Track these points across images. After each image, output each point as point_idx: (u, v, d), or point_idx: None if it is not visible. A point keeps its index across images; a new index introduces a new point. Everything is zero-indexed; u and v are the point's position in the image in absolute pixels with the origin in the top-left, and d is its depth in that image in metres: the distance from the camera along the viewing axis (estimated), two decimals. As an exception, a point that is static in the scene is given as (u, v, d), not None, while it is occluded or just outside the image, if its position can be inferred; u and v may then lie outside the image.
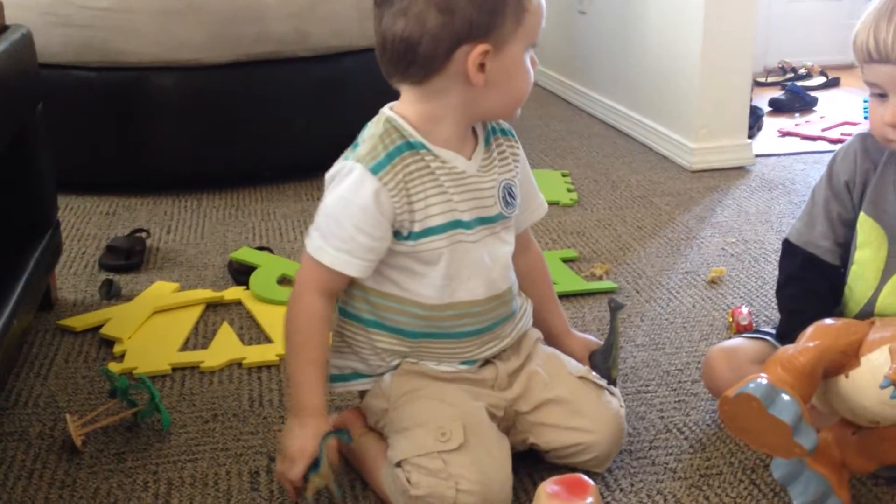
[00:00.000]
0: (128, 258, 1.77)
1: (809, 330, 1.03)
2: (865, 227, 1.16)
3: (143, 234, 1.89)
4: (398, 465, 1.04)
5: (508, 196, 1.12)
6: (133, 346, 1.46)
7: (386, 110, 1.09)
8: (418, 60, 1.01)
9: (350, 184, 1.04)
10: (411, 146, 1.05)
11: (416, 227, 1.06)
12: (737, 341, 1.26)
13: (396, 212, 1.04)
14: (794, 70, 3.44)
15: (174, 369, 1.40)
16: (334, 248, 1.05)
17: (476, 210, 1.09)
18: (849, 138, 1.21)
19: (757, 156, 2.43)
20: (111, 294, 1.63)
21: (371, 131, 1.07)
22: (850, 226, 1.18)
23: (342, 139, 1.13)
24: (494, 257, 1.11)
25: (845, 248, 1.19)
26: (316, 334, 1.08)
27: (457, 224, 1.07)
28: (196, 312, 1.58)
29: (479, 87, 1.03)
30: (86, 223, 2.01)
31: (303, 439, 1.05)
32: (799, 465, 1.04)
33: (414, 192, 1.05)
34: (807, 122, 2.87)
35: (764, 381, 0.97)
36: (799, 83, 3.21)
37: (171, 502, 1.10)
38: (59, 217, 1.59)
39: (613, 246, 1.88)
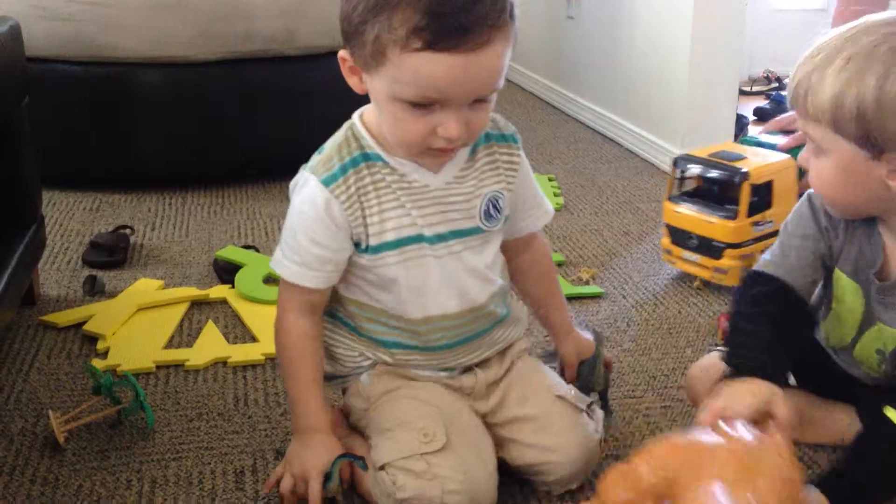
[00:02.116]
0: (111, 254, 1.75)
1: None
2: (841, 282, 1.11)
3: (128, 231, 1.88)
4: (381, 468, 1.03)
5: (492, 209, 1.07)
6: (117, 343, 1.45)
7: (354, 117, 1.06)
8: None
9: (304, 196, 1.04)
10: (367, 157, 1.03)
11: (372, 242, 1.03)
12: (714, 358, 1.22)
13: (351, 224, 1.03)
14: (779, 80, 3.46)
15: (158, 367, 1.39)
16: (291, 260, 1.05)
17: (445, 224, 1.05)
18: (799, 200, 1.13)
19: (742, 163, 2.44)
20: (95, 290, 1.62)
21: (333, 138, 1.06)
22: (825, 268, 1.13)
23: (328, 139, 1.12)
24: (470, 270, 1.08)
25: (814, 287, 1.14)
26: (308, 355, 1.08)
27: (417, 239, 1.04)
28: (181, 310, 1.57)
29: (361, 92, 1.00)
30: (69, 219, 1.99)
31: (315, 458, 1.04)
32: None
33: (368, 205, 1.02)
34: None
35: None
36: (784, 93, 3.22)
37: (154, 501, 1.09)
38: (43, 212, 1.57)
39: (600, 251, 1.89)
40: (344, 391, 1.15)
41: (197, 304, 1.60)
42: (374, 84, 0.96)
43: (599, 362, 1.24)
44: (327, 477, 1.04)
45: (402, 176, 1.03)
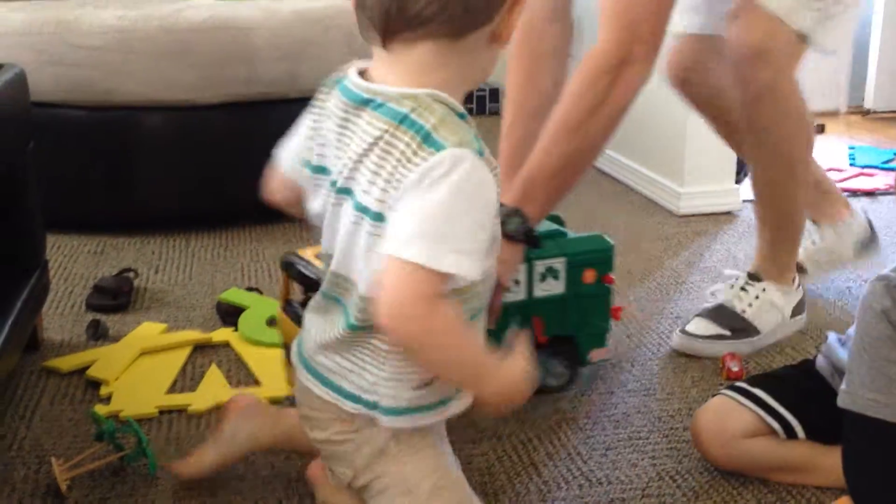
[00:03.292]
0: (115, 298, 1.75)
1: None
2: None
3: (131, 275, 1.88)
4: None
5: None
6: (120, 388, 1.44)
7: (418, 91, 0.90)
8: (476, 5, 0.88)
9: (465, 175, 0.86)
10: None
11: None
12: (726, 407, 1.22)
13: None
14: None
15: (161, 412, 1.38)
16: (454, 250, 0.86)
17: None
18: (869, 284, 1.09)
19: (744, 201, 2.44)
20: (98, 335, 1.62)
21: (437, 113, 0.89)
22: None
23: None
24: None
25: None
26: (467, 335, 0.95)
27: None
28: (184, 354, 1.57)
29: (503, 45, 0.93)
30: (73, 262, 1.99)
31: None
32: None
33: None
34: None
35: None
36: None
37: (157, 549, 1.08)
38: (47, 256, 1.57)
39: (603, 290, 1.88)
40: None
41: (200, 348, 1.60)
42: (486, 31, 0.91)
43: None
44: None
45: None
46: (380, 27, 0.89)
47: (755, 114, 1.51)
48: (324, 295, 1.02)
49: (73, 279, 1.90)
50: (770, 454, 1.21)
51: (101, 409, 1.36)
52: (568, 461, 1.28)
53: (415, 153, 0.87)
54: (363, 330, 0.96)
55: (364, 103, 0.92)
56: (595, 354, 1.46)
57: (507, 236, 1.15)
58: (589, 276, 1.42)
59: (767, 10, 1.43)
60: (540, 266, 1.38)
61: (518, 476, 1.24)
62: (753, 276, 1.65)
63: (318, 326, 1.02)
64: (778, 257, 1.65)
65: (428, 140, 0.87)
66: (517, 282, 1.36)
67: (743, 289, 1.65)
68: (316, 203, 0.99)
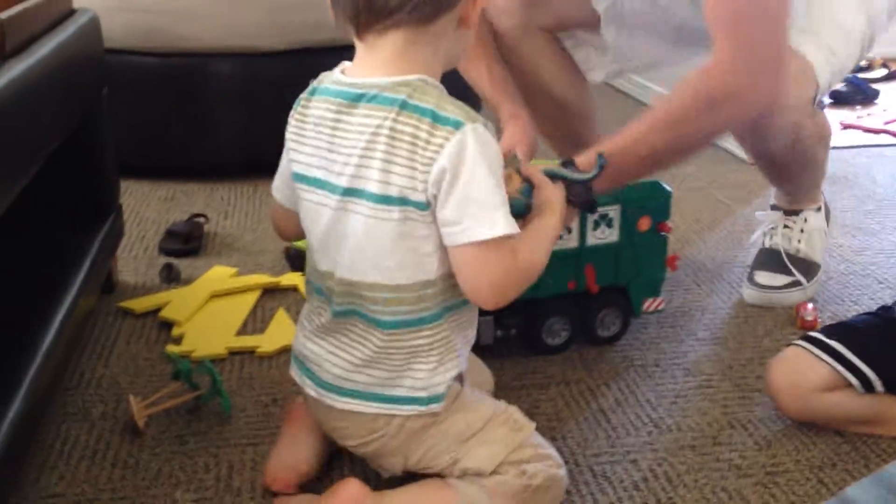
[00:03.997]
0: (186, 242, 1.78)
1: None
2: None
3: (202, 220, 1.91)
4: (493, 472, 1.00)
5: None
6: (191, 330, 1.47)
7: (410, 78, 0.93)
8: None
9: (487, 145, 0.91)
10: None
11: None
12: (802, 360, 1.19)
13: None
14: (885, 65, 3.36)
15: (231, 353, 1.41)
16: (508, 212, 0.93)
17: None
18: None
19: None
20: (171, 278, 1.65)
21: (434, 94, 0.93)
22: None
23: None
24: None
25: None
26: (531, 246, 0.99)
27: None
28: (253, 297, 1.59)
29: (470, 28, 0.97)
30: (145, 207, 2.03)
31: None
32: None
33: None
34: (868, 114, 2.81)
35: None
36: (860, 75, 3.13)
37: (232, 485, 1.11)
38: (120, 201, 1.60)
39: (672, 238, 1.85)
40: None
41: (269, 292, 1.62)
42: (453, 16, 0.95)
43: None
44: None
45: None
46: (352, 21, 0.93)
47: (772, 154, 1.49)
48: (335, 315, 1.00)
49: (145, 224, 1.93)
50: (847, 408, 1.18)
51: (173, 350, 1.39)
52: (637, 408, 1.27)
53: (431, 134, 0.90)
54: (406, 326, 0.97)
55: (357, 99, 0.94)
56: (649, 304, 1.44)
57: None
58: (644, 223, 1.38)
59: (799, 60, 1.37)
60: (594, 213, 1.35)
61: (586, 422, 1.24)
62: (789, 211, 1.61)
63: (337, 350, 1.01)
64: (804, 187, 1.61)
65: (438, 119, 0.90)
66: (569, 229, 1.34)
67: (786, 226, 1.61)
68: (310, 218, 1.00)
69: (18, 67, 1.05)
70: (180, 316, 1.50)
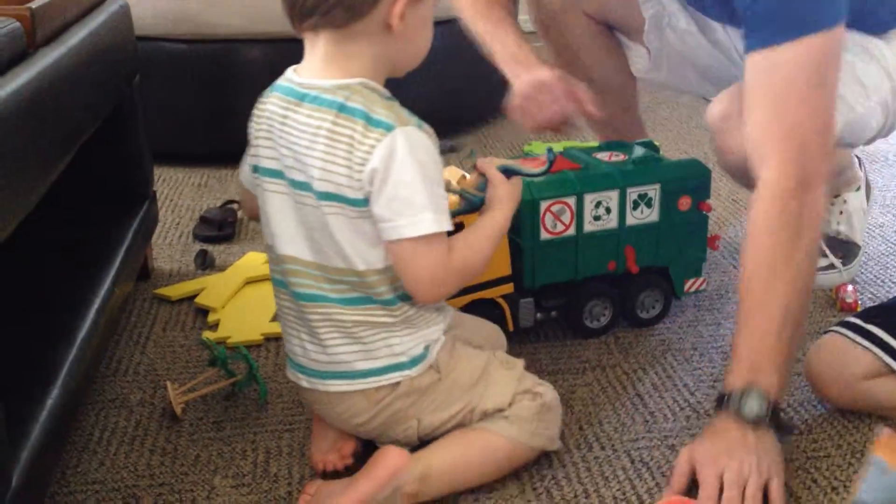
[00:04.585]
0: (220, 229, 1.79)
1: None
2: None
3: (235, 206, 1.91)
4: (505, 408, 1.06)
5: None
6: (226, 316, 1.48)
7: (350, 81, 0.96)
8: (344, 2, 0.94)
9: (415, 147, 0.94)
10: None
11: None
12: (842, 348, 1.17)
13: None
14: None
15: (266, 339, 1.41)
16: (441, 210, 0.96)
17: None
18: None
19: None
20: (206, 264, 1.66)
21: (370, 97, 0.95)
22: None
23: (426, 111, 1.05)
24: None
25: None
26: (473, 243, 1.03)
27: None
28: (287, 283, 1.59)
29: (398, 35, 0.97)
30: (178, 195, 2.04)
31: None
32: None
33: None
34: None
35: None
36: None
37: (269, 471, 1.11)
38: (154, 188, 1.61)
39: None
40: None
41: (303, 277, 1.62)
42: (417, 13, 0.97)
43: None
44: None
45: None
46: (288, 16, 0.98)
47: None
48: (297, 298, 1.03)
49: (179, 211, 1.94)
50: (891, 395, 1.16)
51: (209, 336, 1.40)
52: (674, 392, 1.26)
53: (364, 136, 0.93)
54: (365, 304, 1.00)
55: (302, 98, 0.98)
56: (690, 285, 1.43)
57: (753, 423, 1.04)
58: (684, 203, 1.37)
59: None
60: (633, 193, 1.34)
61: (623, 406, 1.23)
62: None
63: (311, 337, 1.03)
64: (833, 184, 1.54)
65: (371, 121, 0.94)
66: (608, 210, 1.33)
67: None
68: (268, 205, 1.03)
69: (51, 56, 1.06)
70: (215, 302, 1.51)
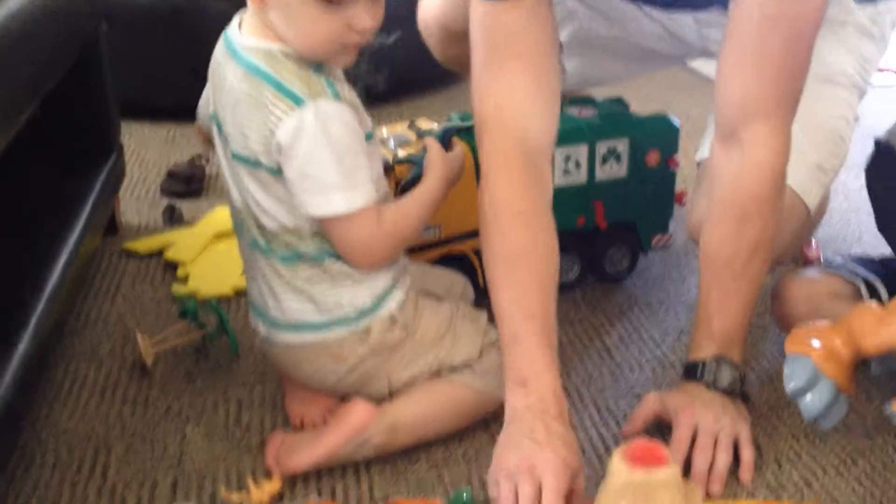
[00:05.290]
0: (188, 184, 1.78)
1: None
2: None
3: (203, 161, 1.89)
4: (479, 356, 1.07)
5: None
6: (196, 270, 1.47)
7: (272, 46, 0.95)
8: None
9: (332, 120, 0.93)
10: (318, 68, 0.96)
11: None
12: (812, 274, 1.22)
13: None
14: None
15: (237, 293, 1.41)
16: (361, 183, 0.96)
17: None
18: None
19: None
20: (174, 219, 1.65)
21: (287, 66, 0.94)
22: None
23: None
24: None
25: None
26: (408, 209, 1.04)
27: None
28: (257, 238, 1.59)
29: (279, 13, 0.93)
30: (146, 149, 2.02)
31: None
32: (814, 376, 0.98)
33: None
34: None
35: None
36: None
37: (241, 421, 1.12)
38: (121, 142, 1.59)
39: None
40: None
41: (273, 232, 1.62)
42: None
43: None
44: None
45: None
46: None
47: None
48: (249, 245, 1.03)
49: (146, 165, 1.92)
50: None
51: (179, 290, 1.40)
52: (640, 344, 1.28)
53: (274, 105, 0.92)
54: (300, 260, 1.00)
55: (233, 53, 0.97)
56: (658, 240, 1.44)
57: (724, 391, 1.05)
58: (653, 158, 1.38)
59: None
60: (602, 147, 1.34)
61: (591, 359, 1.25)
62: None
63: (263, 287, 1.04)
64: None
65: (282, 90, 0.93)
66: (577, 164, 1.33)
67: None
68: (219, 150, 1.03)
69: (14, 1, 1.04)
70: (185, 257, 1.50)
